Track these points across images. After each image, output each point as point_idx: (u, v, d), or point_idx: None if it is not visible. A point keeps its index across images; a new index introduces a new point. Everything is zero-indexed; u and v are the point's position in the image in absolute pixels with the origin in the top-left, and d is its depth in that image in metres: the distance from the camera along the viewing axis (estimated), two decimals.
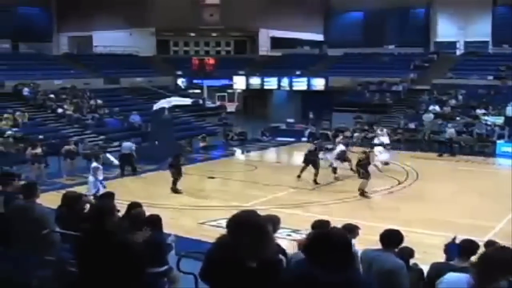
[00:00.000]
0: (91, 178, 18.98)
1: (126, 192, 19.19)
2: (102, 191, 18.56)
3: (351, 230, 8.39)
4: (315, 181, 24.23)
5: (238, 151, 34.88)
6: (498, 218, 18.18)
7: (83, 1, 51.14)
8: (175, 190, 22.25)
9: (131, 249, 5.85)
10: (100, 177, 19.19)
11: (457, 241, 8.69)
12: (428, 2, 50.53)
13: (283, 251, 6.47)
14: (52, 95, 37.88)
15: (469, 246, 7.79)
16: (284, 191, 22.80)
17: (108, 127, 35.76)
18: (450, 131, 33.28)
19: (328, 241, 4.18)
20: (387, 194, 22.42)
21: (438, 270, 6.93)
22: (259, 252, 4.34)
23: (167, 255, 8.88)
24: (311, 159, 25.08)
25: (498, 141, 33.33)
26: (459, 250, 7.80)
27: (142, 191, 19.92)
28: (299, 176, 25.01)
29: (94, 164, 19.55)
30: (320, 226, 8.63)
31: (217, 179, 25.85)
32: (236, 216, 4.52)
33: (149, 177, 25.97)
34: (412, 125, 37.29)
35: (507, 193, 20.68)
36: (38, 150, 25.04)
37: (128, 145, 27.56)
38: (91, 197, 16.41)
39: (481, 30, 47.51)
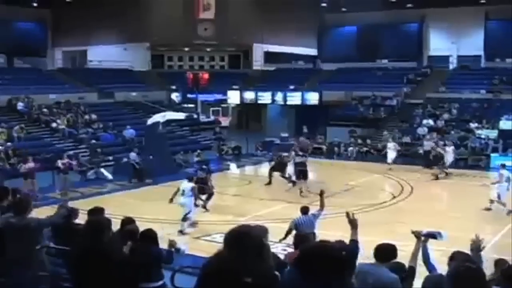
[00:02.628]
0: (185, 199, 18.87)
1: (120, 206, 19.15)
2: (194, 212, 18.65)
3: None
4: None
5: (232, 166, 34.88)
6: (493, 231, 18.20)
7: (78, 16, 51.16)
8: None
9: (125, 265, 5.84)
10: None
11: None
12: (421, 16, 50.78)
13: (283, 264, 6.48)
14: (45, 110, 37.86)
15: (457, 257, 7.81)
16: (279, 205, 22.76)
17: (102, 142, 35.67)
18: (428, 143, 33.47)
19: (322, 255, 4.20)
20: (382, 208, 22.41)
21: (433, 282, 6.96)
22: (255, 267, 4.33)
23: (162, 269, 8.83)
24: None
25: (492, 155, 33.42)
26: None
27: (136, 206, 19.84)
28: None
29: (193, 184, 19.41)
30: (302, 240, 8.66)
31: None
32: (234, 230, 4.51)
33: (144, 191, 25.93)
34: (406, 139, 37.35)
35: (502, 206, 20.72)
36: (31, 165, 24.97)
37: (132, 156, 28.82)
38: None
39: (473, 44, 47.77)
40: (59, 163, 26.31)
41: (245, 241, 4.40)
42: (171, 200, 19.15)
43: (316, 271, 4.11)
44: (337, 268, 4.16)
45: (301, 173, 25.61)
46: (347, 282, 4.31)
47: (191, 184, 19.25)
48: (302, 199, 23.68)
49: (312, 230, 13.82)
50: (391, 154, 32.73)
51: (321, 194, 14.09)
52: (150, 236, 8.90)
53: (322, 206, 14.12)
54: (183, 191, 19.04)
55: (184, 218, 18.48)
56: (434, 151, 31.70)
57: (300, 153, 26.88)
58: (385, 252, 7.26)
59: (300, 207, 14.57)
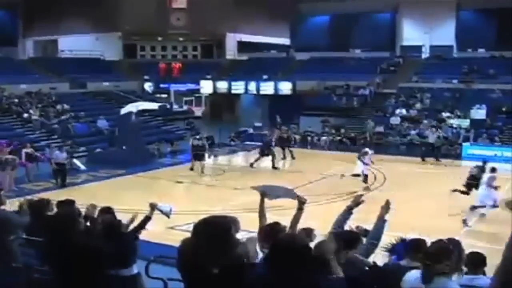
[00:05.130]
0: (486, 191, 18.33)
1: (93, 197, 19.03)
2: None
3: (308, 234, 8.33)
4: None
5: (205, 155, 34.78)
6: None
7: (49, 5, 50.62)
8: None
9: (95, 254, 5.80)
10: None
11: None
12: (394, 6, 50.97)
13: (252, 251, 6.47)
14: (16, 100, 37.48)
15: (417, 245, 7.88)
16: (253, 195, 22.71)
17: (75, 132, 35.37)
18: (433, 136, 33.15)
19: (289, 247, 4.20)
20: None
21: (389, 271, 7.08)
22: (221, 258, 4.33)
23: (134, 257, 8.75)
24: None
25: (463, 144, 33.72)
26: (407, 249, 7.86)
27: (110, 196, 19.71)
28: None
29: (492, 174, 18.91)
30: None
31: (185, 183, 25.78)
32: (200, 221, 4.52)
33: (117, 182, 25.78)
34: (379, 129, 37.55)
35: (473, 195, 20.91)
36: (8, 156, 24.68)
37: (57, 154, 25.40)
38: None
39: (446, 34, 48.08)
40: (23, 152, 26.07)
41: (212, 232, 4.40)
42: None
43: (284, 264, 4.10)
44: (305, 260, 4.16)
45: (197, 156, 28.47)
46: (317, 275, 4.28)
47: (490, 174, 18.96)
48: None
49: None
50: None
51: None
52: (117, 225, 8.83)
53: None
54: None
55: (473, 207, 18.34)
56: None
57: (197, 136, 30.52)
58: (350, 241, 7.27)
59: None
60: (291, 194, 7.91)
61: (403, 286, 5.11)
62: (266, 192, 7.48)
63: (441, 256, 4.83)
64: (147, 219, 9.09)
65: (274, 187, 8.26)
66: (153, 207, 9.34)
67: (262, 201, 7.36)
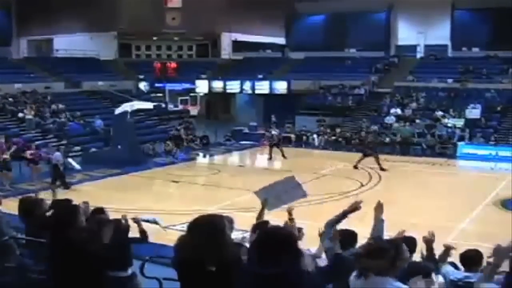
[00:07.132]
0: None
1: (87, 197, 18.97)
2: None
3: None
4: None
5: (201, 155, 34.78)
6: (460, 218, 18.43)
7: (43, 4, 50.48)
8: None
9: (94, 255, 5.79)
10: None
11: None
12: (388, 6, 50.93)
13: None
14: (11, 99, 37.39)
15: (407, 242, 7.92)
16: (248, 195, 22.72)
17: (70, 132, 35.30)
18: None
19: (272, 237, 4.26)
20: (350, 196, 22.49)
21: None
22: (217, 256, 4.35)
23: (131, 259, 8.74)
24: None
25: (458, 143, 33.76)
26: None
27: (104, 196, 19.67)
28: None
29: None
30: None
31: (181, 183, 25.76)
32: (196, 219, 4.53)
33: (112, 181, 25.75)
34: (374, 128, 37.52)
35: (468, 194, 20.95)
36: (6, 156, 24.60)
37: (57, 156, 24.17)
38: None
39: (440, 33, 48.05)
40: (28, 153, 25.92)
41: (208, 229, 4.42)
42: None
43: (270, 254, 4.11)
44: (290, 251, 4.17)
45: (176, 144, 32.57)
46: (300, 266, 4.30)
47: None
48: None
49: None
50: None
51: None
52: (118, 225, 8.81)
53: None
54: None
55: None
56: None
57: (178, 127, 35.09)
58: (347, 239, 7.30)
59: None
60: (299, 193, 7.65)
61: None
62: (266, 202, 7.44)
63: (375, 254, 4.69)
64: (143, 233, 8.97)
65: (278, 187, 8.01)
66: (137, 222, 9.13)
67: (262, 209, 7.35)
